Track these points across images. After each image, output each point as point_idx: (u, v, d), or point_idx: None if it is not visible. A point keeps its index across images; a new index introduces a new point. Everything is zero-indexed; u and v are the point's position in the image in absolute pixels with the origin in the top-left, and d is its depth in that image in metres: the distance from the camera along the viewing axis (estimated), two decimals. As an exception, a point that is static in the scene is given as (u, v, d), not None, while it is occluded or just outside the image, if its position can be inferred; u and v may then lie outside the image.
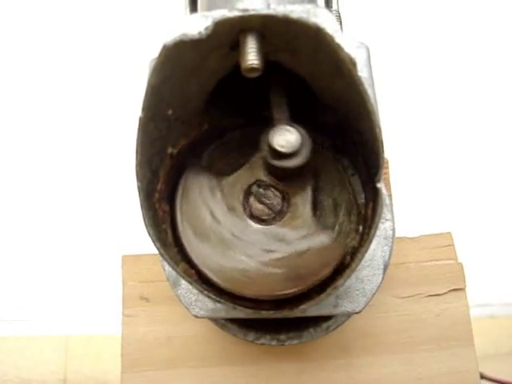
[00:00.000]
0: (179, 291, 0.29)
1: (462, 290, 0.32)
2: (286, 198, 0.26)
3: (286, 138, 0.22)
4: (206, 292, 0.24)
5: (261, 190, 0.26)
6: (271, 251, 0.25)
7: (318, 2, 0.27)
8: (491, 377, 0.51)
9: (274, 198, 0.25)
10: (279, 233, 0.25)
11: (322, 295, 0.24)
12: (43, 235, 0.88)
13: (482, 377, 0.46)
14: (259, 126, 0.25)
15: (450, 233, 0.33)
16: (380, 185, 0.22)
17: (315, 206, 0.26)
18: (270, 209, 0.25)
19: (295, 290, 0.24)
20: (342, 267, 0.24)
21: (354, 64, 0.20)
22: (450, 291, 0.32)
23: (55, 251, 0.87)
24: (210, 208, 0.25)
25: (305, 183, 0.26)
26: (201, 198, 0.25)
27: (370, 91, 0.22)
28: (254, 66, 0.20)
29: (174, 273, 0.29)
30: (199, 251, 0.24)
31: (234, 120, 0.26)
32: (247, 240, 0.25)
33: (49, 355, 0.79)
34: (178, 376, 0.33)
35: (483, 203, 0.97)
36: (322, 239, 0.25)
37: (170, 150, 0.24)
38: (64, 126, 0.92)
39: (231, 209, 0.25)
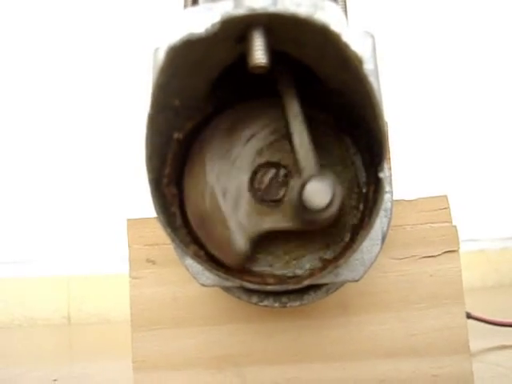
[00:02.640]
0: (187, 261, 0.30)
1: (456, 251, 0.34)
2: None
3: (318, 194, 0.23)
4: (215, 271, 0.25)
5: (282, 175, 0.26)
6: (239, 206, 0.26)
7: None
8: (478, 316, 0.54)
9: (280, 191, 0.26)
10: (251, 209, 0.26)
11: (324, 272, 0.26)
12: (43, 176, 0.89)
13: (469, 317, 0.49)
14: None
15: (445, 196, 0.34)
16: (383, 175, 0.23)
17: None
18: (267, 188, 0.26)
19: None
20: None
21: (360, 61, 0.20)
22: (443, 253, 0.34)
23: (56, 192, 0.88)
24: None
25: None
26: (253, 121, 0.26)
27: (375, 84, 0.22)
28: (262, 64, 0.20)
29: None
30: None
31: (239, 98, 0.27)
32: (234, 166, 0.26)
33: (52, 295, 0.83)
34: (184, 334, 0.35)
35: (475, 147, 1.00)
36: None
37: (176, 136, 0.25)
38: (70, 92, 0.91)
39: (259, 153, 0.26)
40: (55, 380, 0.47)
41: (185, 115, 0.25)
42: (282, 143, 0.27)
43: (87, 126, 0.90)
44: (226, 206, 0.25)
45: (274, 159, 0.27)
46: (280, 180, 0.27)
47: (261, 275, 0.27)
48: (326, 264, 0.27)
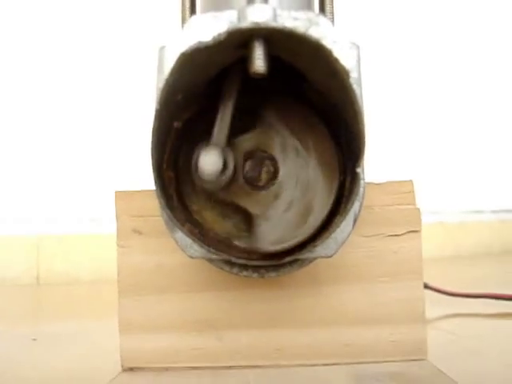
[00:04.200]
0: (176, 235, 0.34)
1: (418, 231, 0.38)
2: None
3: (208, 163, 0.26)
4: (206, 247, 0.29)
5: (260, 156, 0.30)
6: None
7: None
8: (434, 287, 0.60)
9: (264, 174, 0.30)
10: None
11: (303, 251, 0.30)
12: (13, 134, 0.90)
13: (426, 287, 0.55)
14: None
15: (411, 180, 0.39)
16: (359, 170, 0.27)
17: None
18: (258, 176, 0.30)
19: None
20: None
21: (347, 74, 0.24)
22: (407, 232, 0.38)
23: (27, 151, 0.90)
24: None
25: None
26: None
27: (358, 90, 0.26)
28: (261, 71, 0.24)
29: (170, 219, 0.34)
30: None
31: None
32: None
33: (22, 254, 0.85)
34: (168, 299, 0.39)
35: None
36: None
37: (175, 125, 0.28)
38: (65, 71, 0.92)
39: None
40: (35, 339, 0.51)
41: (184, 107, 0.28)
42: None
43: (61, 85, 0.91)
44: None
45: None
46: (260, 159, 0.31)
47: (247, 251, 0.31)
48: (304, 243, 0.31)
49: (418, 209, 0.39)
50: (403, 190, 0.39)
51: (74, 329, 0.56)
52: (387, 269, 0.38)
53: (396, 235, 0.38)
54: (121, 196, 0.40)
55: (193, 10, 0.32)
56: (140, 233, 0.39)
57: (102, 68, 0.93)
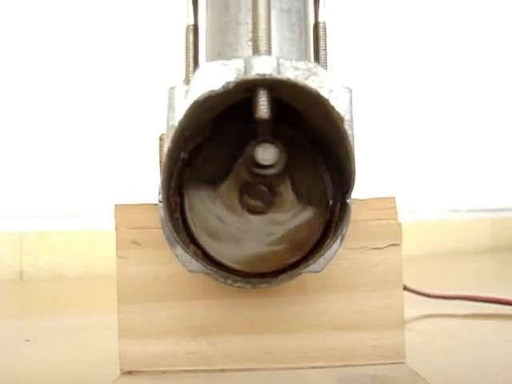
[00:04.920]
0: (177, 251, 0.37)
1: (399, 245, 0.42)
2: (272, 190, 0.34)
3: (267, 153, 0.29)
4: (209, 267, 0.33)
5: (251, 188, 0.34)
6: (272, 234, 0.33)
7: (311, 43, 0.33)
8: (412, 289, 0.65)
9: (262, 192, 0.34)
10: (274, 218, 0.34)
11: (295, 270, 0.34)
12: (5, 135, 0.91)
13: (404, 288, 0.60)
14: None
15: (393, 197, 0.43)
16: (349, 201, 0.30)
17: (295, 190, 0.34)
18: (261, 201, 0.34)
19: (298, 257, 0.34)
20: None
21: (342, 121, 0.27)
22: (388, 246, 0.42)
23: (10, 147, 0.91)
24: (215, 213, 0.33)
25: (283, 175, 0.34)
26: (205, 207, 0.33)
27: (350, 131, 0.29)
28: (266, 117, 0.27)
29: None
30: (217, 249, 0.33)
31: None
32: (252, 230, 0.33)
33: (4, 250, 0.87)
34: (164, 307, 0.42)
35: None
36: (308, 214, 0.34)
37: (182, 155, 0.32)
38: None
39: (232, 209, 0.33)
40: (27, 340, 0.54)
41: (190, 140, 0.31)
42: (223, 190, 0.34)
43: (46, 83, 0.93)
44: (276, 237, 0.34)
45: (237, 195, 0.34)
46: (253, 189, 0.34)
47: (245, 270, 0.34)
48: (298, 262, 0.35)
49: (400, 223, 0.42)
50: (386, 206, 0.43)
51: (64, 328, 0.59)
52: (370, 279, 0.42)
53: (378, 248, 0.42)
54: (120, 209, 0.43)
55: (195, 54, 0.35)
56: (138, 244, 0.42)
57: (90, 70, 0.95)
